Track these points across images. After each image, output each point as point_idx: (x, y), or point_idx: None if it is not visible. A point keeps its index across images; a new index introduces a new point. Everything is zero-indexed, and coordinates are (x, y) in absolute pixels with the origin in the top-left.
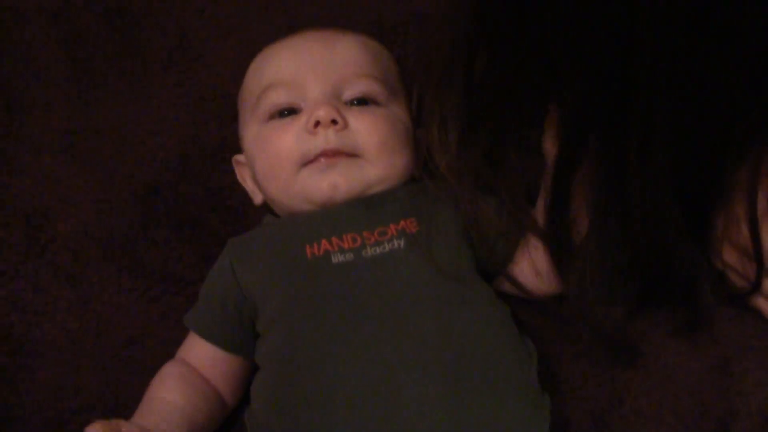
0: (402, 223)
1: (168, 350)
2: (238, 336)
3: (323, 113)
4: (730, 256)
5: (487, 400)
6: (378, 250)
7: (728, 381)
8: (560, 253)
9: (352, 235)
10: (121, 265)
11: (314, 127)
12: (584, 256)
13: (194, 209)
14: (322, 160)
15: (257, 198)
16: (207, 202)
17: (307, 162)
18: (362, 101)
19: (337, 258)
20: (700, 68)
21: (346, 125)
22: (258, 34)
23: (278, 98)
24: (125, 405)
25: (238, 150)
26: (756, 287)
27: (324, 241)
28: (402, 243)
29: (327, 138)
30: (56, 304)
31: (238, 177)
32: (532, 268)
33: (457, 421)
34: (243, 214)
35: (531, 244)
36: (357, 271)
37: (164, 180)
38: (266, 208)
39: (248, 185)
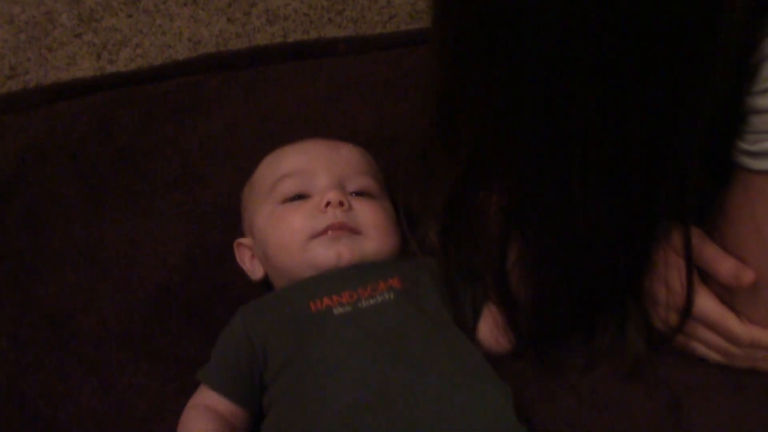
0: (390, 280)
1: None
2: (248, 390)
3: (333, 195)
4: (652, 308)
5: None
6: (372, 301)
7: (680, 416)
8: (509, 310)
9: (349, 292)
10: (139, 352)
11: (325, 207)
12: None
13: (202, 303)
14: (330, 232)
15: (256, 275)
16: (213, 295)
17: (316, 235)
18: (361, 193)
19: (337, 310)
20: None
21: (350, 207)
22: (250, 161)
23: (293, 185)
24: None
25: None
26: (677, 331)
27: (325, 298)
28: (392, 295)
29: (335, 215)
30: (80, 389)
31: (238, 258)
32: (491, 328)
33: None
34: (245, 302)
35: (489, 307)
36: (356, 318)
37: (174, 281)
38: (264, 285)
39: (246, 265)
